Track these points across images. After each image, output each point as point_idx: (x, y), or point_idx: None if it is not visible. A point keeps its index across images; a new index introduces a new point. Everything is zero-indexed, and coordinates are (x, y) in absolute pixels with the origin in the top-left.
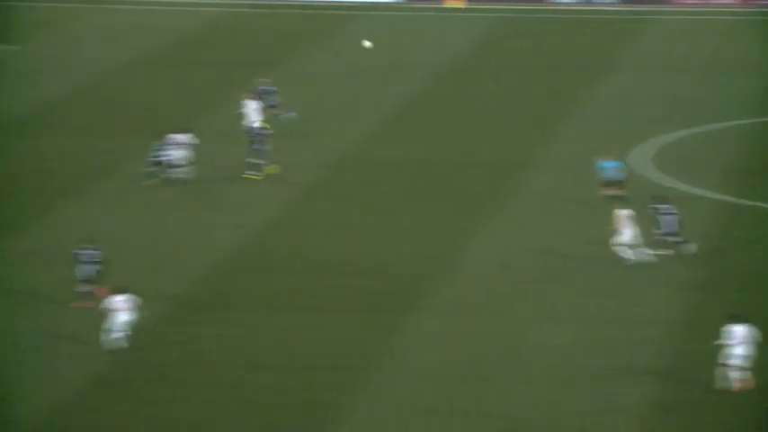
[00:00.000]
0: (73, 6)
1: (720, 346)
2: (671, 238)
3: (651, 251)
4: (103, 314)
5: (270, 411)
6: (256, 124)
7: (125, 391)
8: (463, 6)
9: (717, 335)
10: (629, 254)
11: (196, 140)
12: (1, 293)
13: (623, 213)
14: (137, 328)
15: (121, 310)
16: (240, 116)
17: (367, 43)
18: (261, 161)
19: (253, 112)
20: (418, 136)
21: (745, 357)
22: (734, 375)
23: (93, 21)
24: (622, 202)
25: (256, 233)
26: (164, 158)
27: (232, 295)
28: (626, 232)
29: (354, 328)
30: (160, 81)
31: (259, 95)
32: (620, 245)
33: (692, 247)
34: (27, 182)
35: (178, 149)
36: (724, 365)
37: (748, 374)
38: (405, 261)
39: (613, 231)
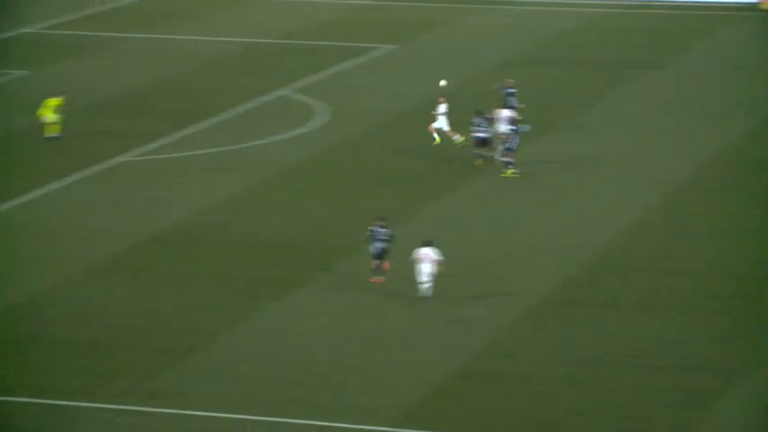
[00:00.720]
0: (447, 7)
1: None
2: None
3: None
4: (412, 266)
5: (637, 412)
6: (445, 128)
7: (487, 383)
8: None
9: None
10: None
11: (520, 121)
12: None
13: None
14: (501, 327)
15: (426, 261)
16: (434, 118)
17: (443, 82)
18: (509, 159)
19: (442, 116)
20: None
21: None
22: None
23: (467, 21)
24: None
25: (620, 233)
26: (483, 135)
27: (602, 294)
28: None
29: (725, 330)
30: (533, 80)
31: (503, 97)
32: None
33: None
34: (401, 176)
35: (501, 126)
36: None
37: None
38: None
39: None
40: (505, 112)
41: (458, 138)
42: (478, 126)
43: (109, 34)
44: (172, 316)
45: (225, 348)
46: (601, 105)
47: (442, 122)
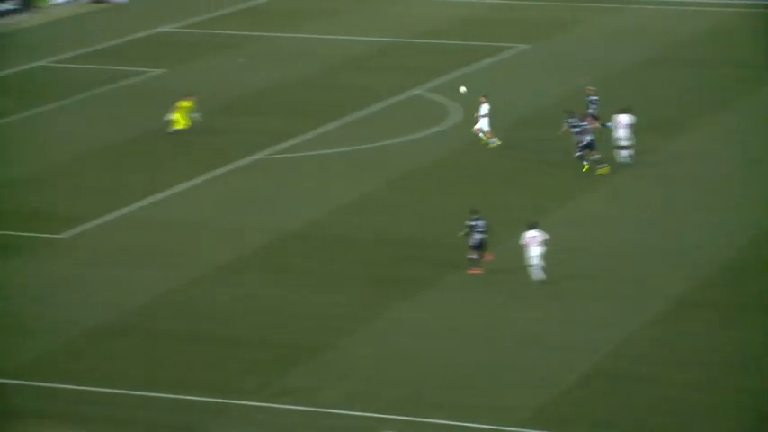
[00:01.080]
0: (580, 6)
1: None
2: None
3: None
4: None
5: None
6: (486, 128)
7: (616, 384)
8: None
9: None
10: None
11: (633, 121)
12: (503, 283)
13: None
14: (633, 327)
15: (533, 245)
16: (477, 119)
17: (463, 89)
18: (582, 153)
19: (484, 117)
20: None
21: None
22: None
23: (600, 21)
24: None
25: (756, 234)
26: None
27: (735, 296)
28: None
29: None
30: (666, 79)
31: (588, 102)
32: None
33: None
34: (533, 175)
35: (619, 129)
36: None
37: None
38: None
39: None
40: (624, 118)
41: (495, 141)
42: (574, 127)
43: (243, 33)
44: (303, 313)
45: (356, 346)
46: (737, 105)
47: (483, 123)
